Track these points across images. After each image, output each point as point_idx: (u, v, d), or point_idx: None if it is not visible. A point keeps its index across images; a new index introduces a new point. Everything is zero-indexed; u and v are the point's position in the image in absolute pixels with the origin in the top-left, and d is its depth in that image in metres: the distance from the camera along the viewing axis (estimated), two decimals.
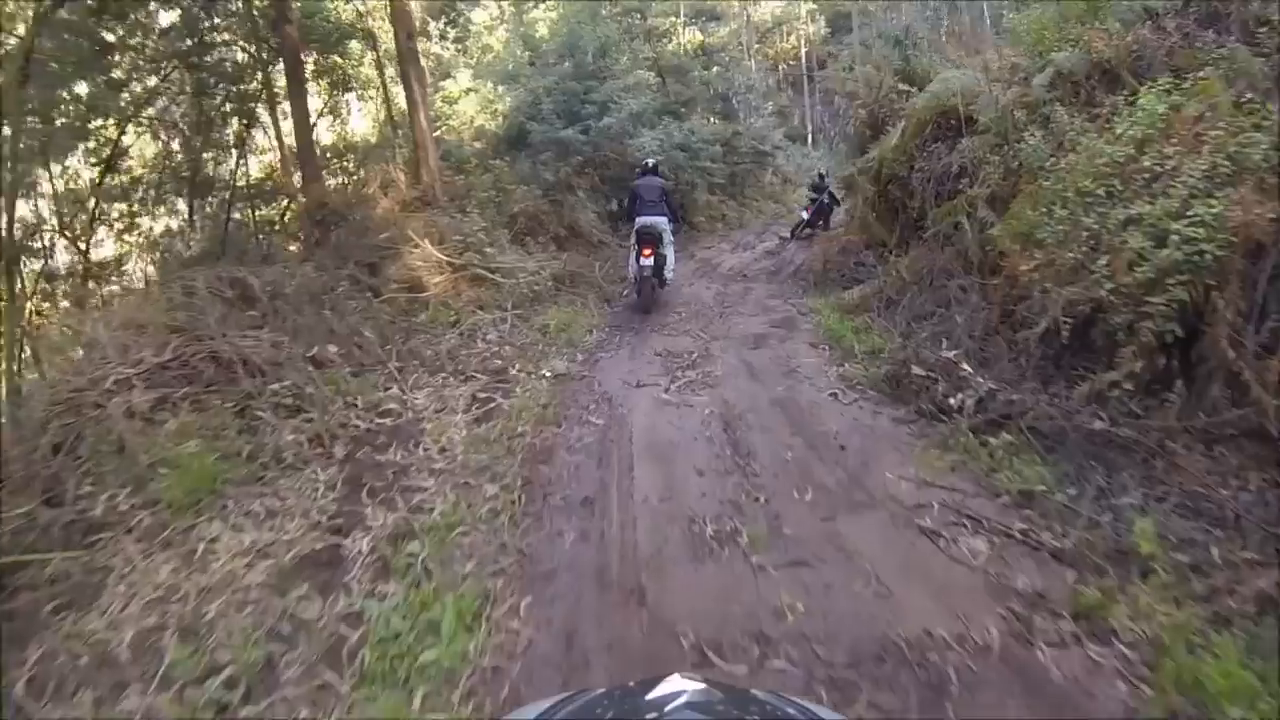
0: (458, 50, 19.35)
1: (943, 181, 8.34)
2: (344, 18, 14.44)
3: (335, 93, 16.05)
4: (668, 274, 9.35)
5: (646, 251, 8.73)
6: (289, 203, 14.06)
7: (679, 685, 1.23)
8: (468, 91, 19.10)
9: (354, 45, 15.26)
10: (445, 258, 8.88)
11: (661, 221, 8.93)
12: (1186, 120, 5.15)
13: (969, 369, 5.63)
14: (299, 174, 12.39)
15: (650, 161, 10.19)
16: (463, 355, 7.31)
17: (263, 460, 4.94)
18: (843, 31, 31.59)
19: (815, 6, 32.87)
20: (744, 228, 17.02)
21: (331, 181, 13.68)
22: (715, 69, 20.04)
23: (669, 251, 9.19)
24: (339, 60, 15.09)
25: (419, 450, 5.32)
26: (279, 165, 14.51)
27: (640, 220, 8.89)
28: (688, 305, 9.56)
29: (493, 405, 6.08)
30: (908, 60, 11.60)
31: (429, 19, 17.60)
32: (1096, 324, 4.91)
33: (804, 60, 30.60)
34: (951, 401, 5.34)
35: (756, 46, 29.26)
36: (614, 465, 4.97)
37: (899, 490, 4.38)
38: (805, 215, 14.65)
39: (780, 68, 31.86)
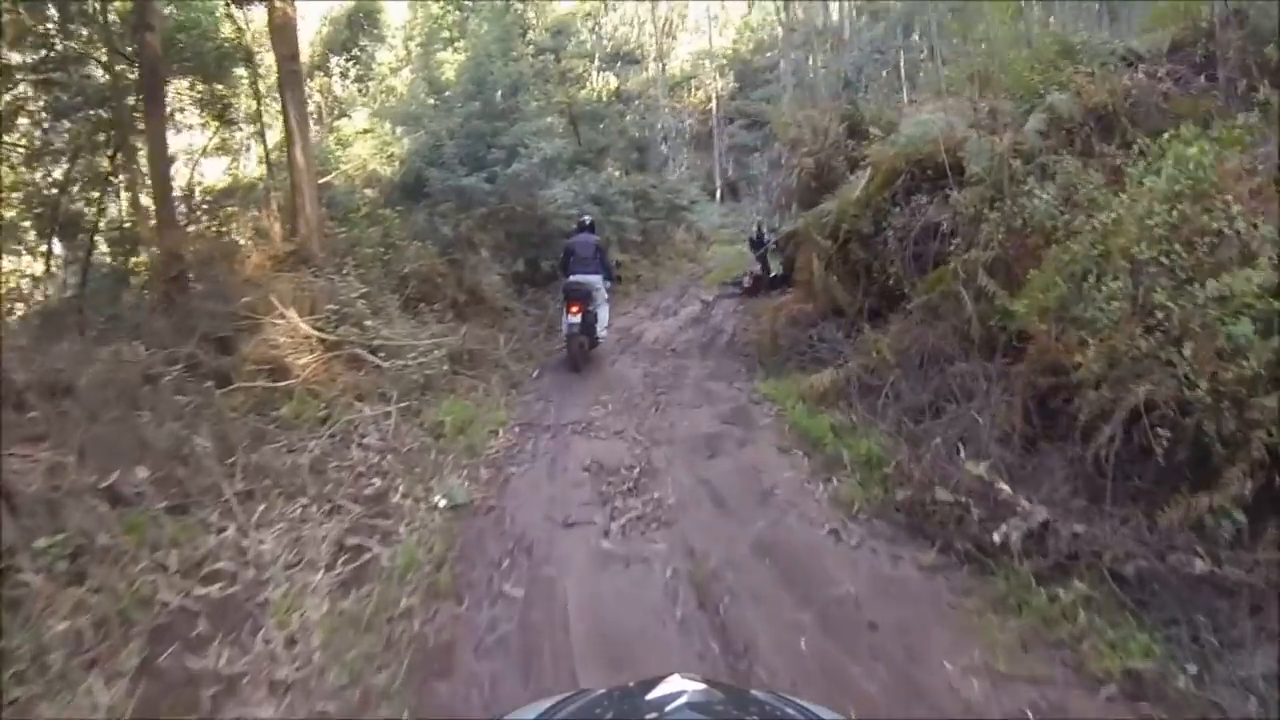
0: (359, 90, 17.61)
1: (923, 241, 7.36)
2: (223, 33, 12.25)
3: (228, 127, 13.89)
4: (601, 332, 9.21)
5: (574, 308, 8.55)
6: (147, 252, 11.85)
7: (679, 685, 1.22)
8: (364, 133, 17.30)
9: (240, 71, 13.22)
10: (316, 332, 7.10)
11: (594, 280, 8.84)
12: (1233, 173, 4.37)
13: (1007, 489, 4.46)
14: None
15: (587, 219, 10.18)
16: (331, 470, 5.57)
17: (17, 667, 3.12)
18: (751, 86, 31.58)
19: (725, 61, 32.55)
20: (660, 289, 15.71)
21: (196, 229, 11.54)
22: (629, 116, 18.84)
23: (602, 310, 9.10)
24: (222, 89, 12.89)
25: (256, 644, 3.61)
26: (133, 205, 12.24)
27: (570, 279, 8.82)
28: (614, 391, 8.06)
29: (367, 558, 4.41)
30: (855, 105, 10.58)
31: (330, 53, 16.51)
32: (1180, 431, 3.77)
33: (715, 114, 30.21)
34: (995, 537, 4.13)
35: (665, 101, 28.41)
36: (547, 679, 3.34)
37: (971, 693, 3.12)
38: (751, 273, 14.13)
39: (689, 122, 31.25)
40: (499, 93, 12.93)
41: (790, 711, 1.23)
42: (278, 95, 10.54)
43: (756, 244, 14.39)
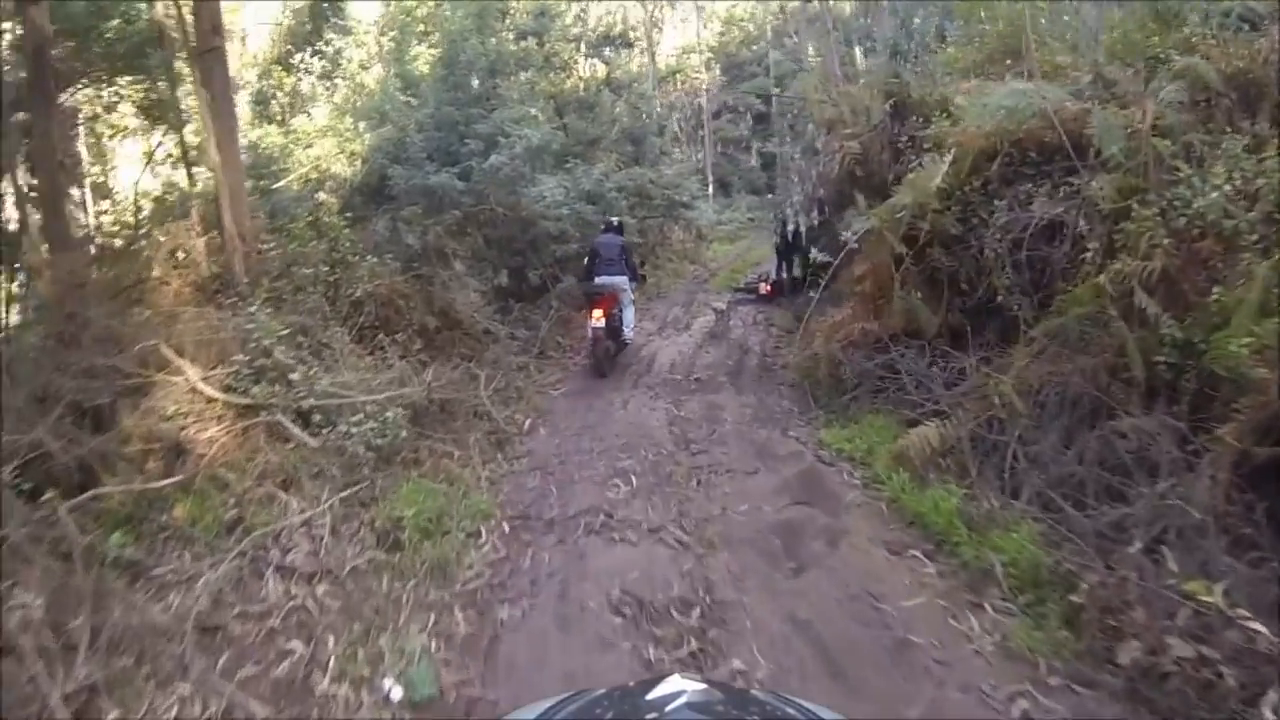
0: (324, 87, 15.67)
1: (1041, 244, 5.66)
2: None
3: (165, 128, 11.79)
4: (627, 334, 9.06)
5: (598, 312, 8.25)
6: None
7: (679, 685, 1.22)
8: (325, 131, 15.28)
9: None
10: (221, 395, 5.12)
11: (619, 280, 8.64)
12: None
13: (1264, 630, 2.99)
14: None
15: (614, 220, 9.85)
16: (232, 622, 3.62)
17: None
18: (738, 80, 30.97)
19: (711, 55, 31.37)
20: (665, 296, 13.79)
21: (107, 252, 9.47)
22: (620, 105, 16.83)
23: (628, 311, 8.98)
24: (134, 86, 10.71)
25: None
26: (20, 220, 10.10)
27: (594, 281, 8.60)
28: (635, 450, 6.09)
29: None
30: (900, 77, 8.65)
31: (292, 47, 14.98)
32: None
33: (704, 107, 29.00)
34: (1267, 713, 2.74)
35: (655, 93, 26.68)
36: None
37: None
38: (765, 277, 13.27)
39: (675, 117, 29.56)
40: (475, 75, 10.95)
41: (790, 711, 1.22)
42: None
43: (788, 245, 12.50)
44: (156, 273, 7.88)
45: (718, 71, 31.91)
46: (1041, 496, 4.58)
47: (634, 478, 5.42)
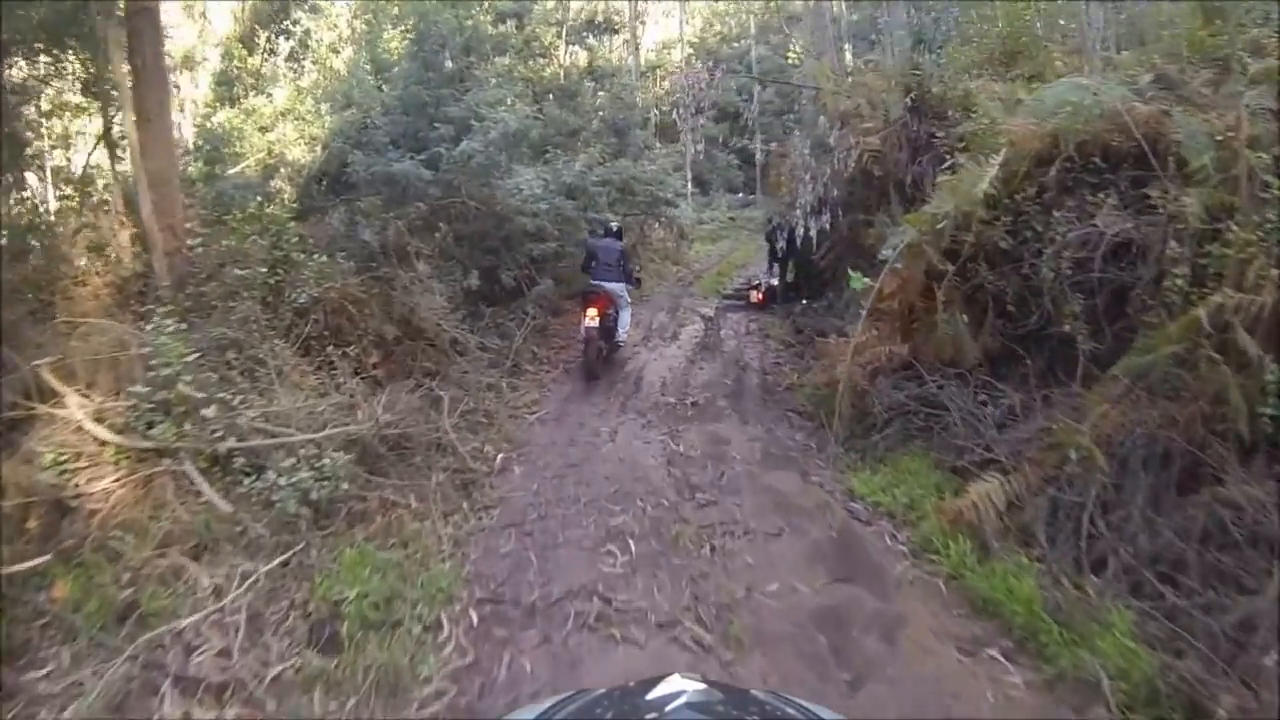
0: (290, 69, 14.57)
1: (1110, 266, 4.92)
2: None
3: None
4: (620, 335, 8.86)
5: (592, 311, 8.07)
6: None
7: (679, 685, 1.23)
8: (285, 114, 14.19)
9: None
10: (114, 437, 4.09)
11: (616, 287, 8.53)
12: None
13: None
14: None
15: (614, 224, 9.83)
16: None
17: None
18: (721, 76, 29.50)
19: (692, 51, 30.30)
20: (648, 300, 12.78)
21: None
22: (602, 95, 15.81)
23: (623, 313, 8.80)
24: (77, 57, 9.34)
25: None
26: None
27: (590, 283, 8.46)
28: (628, 499, 5.09)
29: None
30: (919, 68, 7.77)
31: (258, 27, 14.01)
32: None
33: (685, 103, 27.62)
34: None
35: (639, 84, 25.80)
36: None
37: None
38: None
39: (653, 114, 28.76)
40: (447, 53, 9.90)
41: (790, 711, 1.21)
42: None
43: (785, 249, 11.66)
44: (74, 269, 6.88)
45: (700, 67, 30.70)
46: (1130, 574, 3.75)
47: (632, 542, 4.42)
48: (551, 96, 14.00)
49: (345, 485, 4.35)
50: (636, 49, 25.65)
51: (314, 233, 8.20)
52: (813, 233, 8.65)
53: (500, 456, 5.88)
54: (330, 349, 6.24)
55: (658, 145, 19.89)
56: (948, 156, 6.51)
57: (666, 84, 29.56)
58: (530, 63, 14.18)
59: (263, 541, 3.97)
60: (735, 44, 31.83)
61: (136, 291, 6.59)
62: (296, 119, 13.77)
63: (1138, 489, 4.02)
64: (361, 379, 6.15)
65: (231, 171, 11.53)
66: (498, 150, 8.45)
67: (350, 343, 6.50)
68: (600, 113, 15.08)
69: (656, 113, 28.27)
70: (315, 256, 6.82)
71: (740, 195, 28.44)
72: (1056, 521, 4.13)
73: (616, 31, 21.69)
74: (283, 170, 12.38)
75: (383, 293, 7.20)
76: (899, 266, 5.70)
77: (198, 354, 4.64)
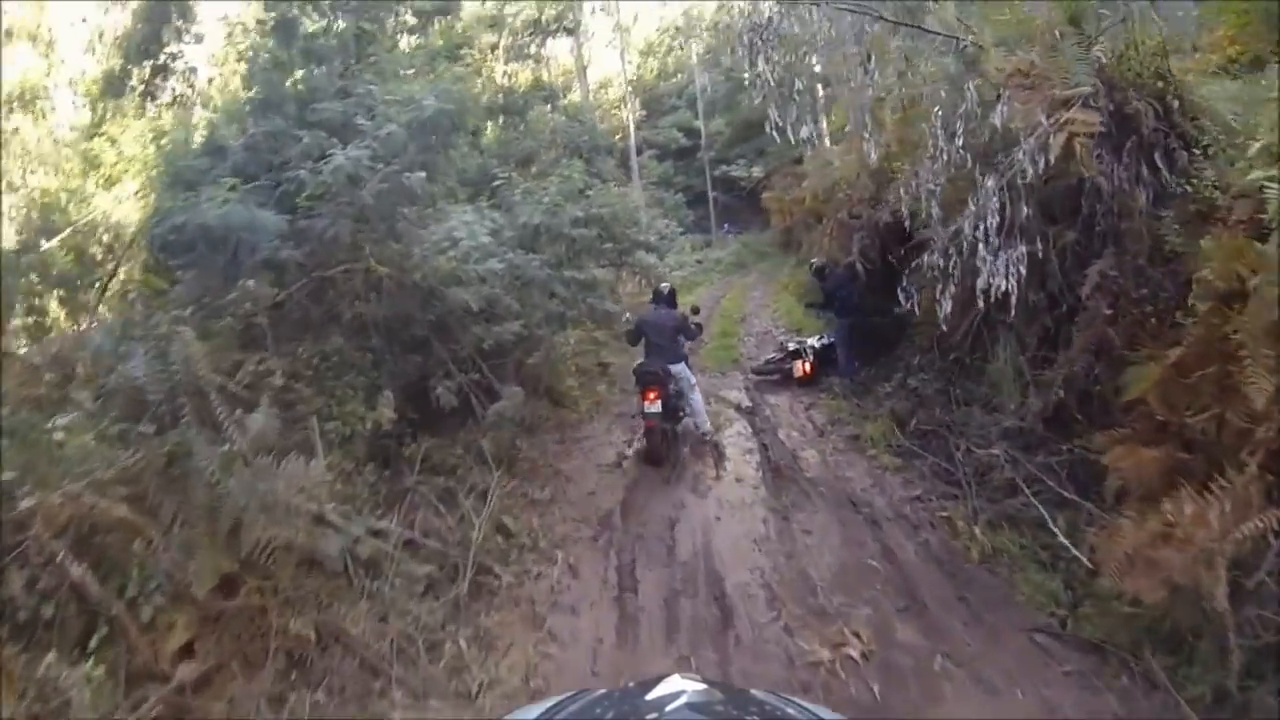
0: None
1: None
2: None
3: None
4: (701, 424, 7.06)
5: (652, 394, 6.59)
6: None
7: (679, 685, 1.20)
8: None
9: None
10: None
11: (677, 369, 6.99)
12: None
13: None
14: None
15: (665, 286, 7.81)
16: None
17: None
18: (657, 115, 28.99)
19: (631, 88, 28.37)
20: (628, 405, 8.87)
21: None
22: (556, 116, 12.02)
23: (693, 396, 7.12)
24: None
25: None
26: None
27: (644, 363, 6.97)
28: None
29: None
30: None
31: (128, 63, 11.08)
32: None
33: (631, 140, 25.38)
34: None
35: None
36: None
37: None
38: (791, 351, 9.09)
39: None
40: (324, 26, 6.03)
41: (790, 711, 1.19)
42: None
43: (846, 299, 8.13)
44: None
45: (637, 105, 28.84)
46: None
47: None
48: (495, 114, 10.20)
49: None
50: (584, 68, 22.35)
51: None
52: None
53: None
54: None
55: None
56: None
57: (613, 121, 27.89)
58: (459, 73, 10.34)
59: None
60: (674, 78, 30.70)
61: None
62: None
63: None
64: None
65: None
66: (411, 161, 4.53)
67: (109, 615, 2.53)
68: (554, 137, 11.29)
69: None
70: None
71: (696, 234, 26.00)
72: None
73: (570, 32, 17.96)
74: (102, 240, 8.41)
75: (184, 484, 3.23)
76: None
77: None
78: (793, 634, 3.78)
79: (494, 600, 4.14)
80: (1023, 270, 4.60)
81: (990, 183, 4.60)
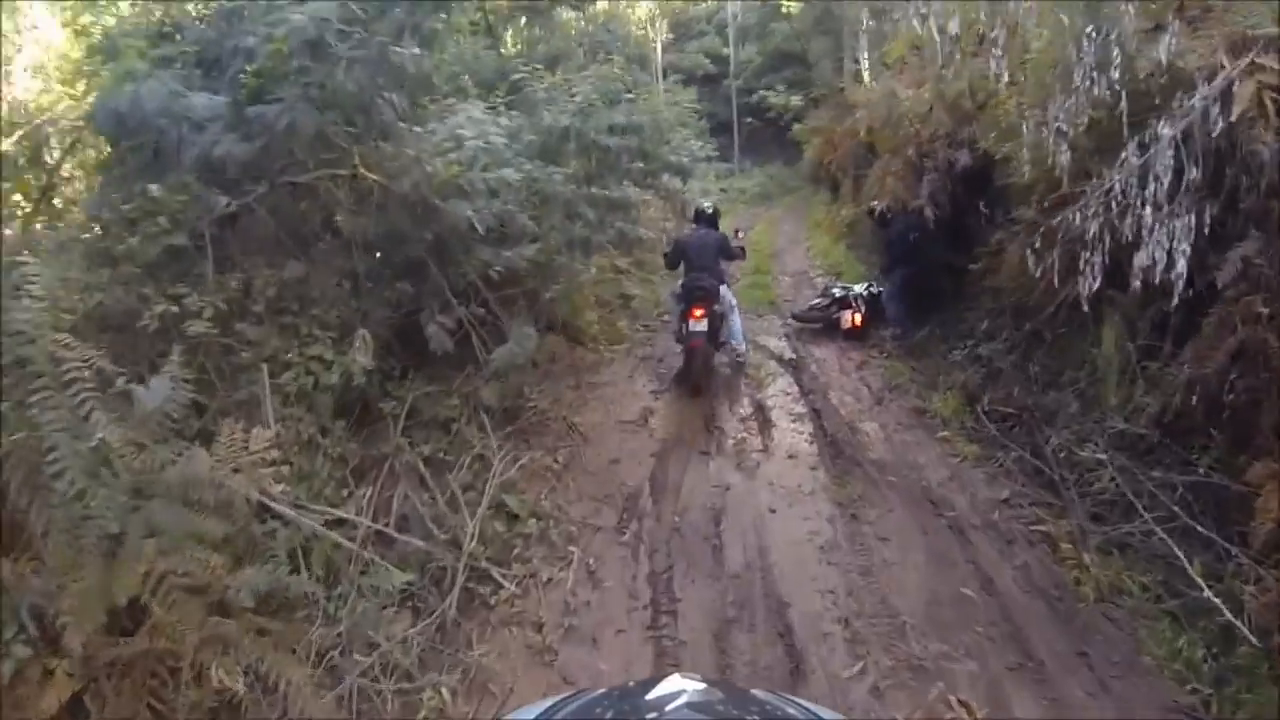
0: None
1: None
2: None
3: None
4: (739, 347, 6.98)
5: (698, 312, 6.31)
6: None
7: (679, 685, 1.14)
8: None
9: None
10: None
11: (721, 290, 6.64)
12: None
13: None
14: None
15: (707, 206, 7.56)
16: None
17: None
18: (684, 39, 28.19)
19: (658, 10, 27.08)
20: (664, 329, 7.90)
21: None
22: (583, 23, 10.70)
23: (734, 319, 6.93)
24: None
25: None
26: None
27: (690, 279, 6.64)
28: None
29: None
30: None
31: None
32: None
33: (657, 65, 24.21)
34: None
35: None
36: None
37: None
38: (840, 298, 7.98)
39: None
40: None
41: (790, 711, 1.15)
42: None
43: (905, 247, 7.38)
44: None
45: (665, 27, 27.60)
46: None
47: None
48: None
49: None
50: None
51: None
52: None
53: None
54: None
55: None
56: None
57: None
58: None
59: None
60: (704, 2, 29.09)
61: None
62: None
63: None
64: None
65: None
66: (393, 29, 3.41)
67: None
68: (586, 40, 10.01)
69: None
70: None
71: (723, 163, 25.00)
72: None
73: None
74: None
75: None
76: None
77: None
78: (882, 698, 2.85)
79: (490, 619, 3.19)
80: (1187, 245, 3.55)
81: (1167, 131, 3.50)
